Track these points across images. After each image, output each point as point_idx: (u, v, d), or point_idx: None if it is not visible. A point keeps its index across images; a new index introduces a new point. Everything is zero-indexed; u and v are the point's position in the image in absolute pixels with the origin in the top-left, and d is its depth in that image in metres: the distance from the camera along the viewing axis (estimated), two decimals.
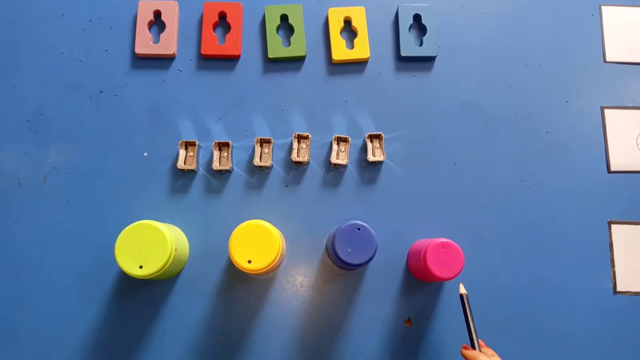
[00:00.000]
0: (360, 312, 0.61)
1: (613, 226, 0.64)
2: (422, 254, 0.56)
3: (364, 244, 0.55)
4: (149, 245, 0.54)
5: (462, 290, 0.55)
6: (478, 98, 0.68)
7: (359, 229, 0.55)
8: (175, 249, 0.55)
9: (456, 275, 0.55)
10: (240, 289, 0.61)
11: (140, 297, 0.60)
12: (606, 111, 0.68)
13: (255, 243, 0.54)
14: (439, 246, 0.56)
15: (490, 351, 0.53)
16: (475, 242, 0.63)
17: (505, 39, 0.70)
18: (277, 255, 0.54)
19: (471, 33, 0.70)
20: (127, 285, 0.60)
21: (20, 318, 0.59)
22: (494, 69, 0.69)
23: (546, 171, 0.66)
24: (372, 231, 0.55)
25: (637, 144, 0.67)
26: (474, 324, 0.54)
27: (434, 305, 0.62)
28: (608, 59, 0.70)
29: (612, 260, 0.63)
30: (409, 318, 0.61)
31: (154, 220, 0.55)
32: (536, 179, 0.66)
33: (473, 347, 0.53)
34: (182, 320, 0.60)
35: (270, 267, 0.54)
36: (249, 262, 0.54)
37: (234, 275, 0.61)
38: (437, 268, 0.55)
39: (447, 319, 0.61)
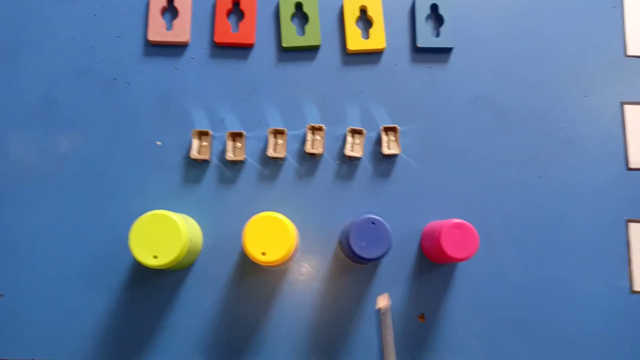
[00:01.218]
0: (372, 305, 0.61)
1: (630, 224, 0.63)
2: (436, 234, 0.56)
3: (378, 239, 0.54)
4: (163, 235, 0.53)
5: (381, 303, 0.52)
6: (495, 91, 0.66)
7: (373, 223, 0.55)
8: (190, 240, 0.55)
9: (470, 255, 0.55)
10: (253, 280, 0.61)
11: (152, 287, 0.60)
12: (626, 107, 0.67)
13: (270, 235, 0.54)
14: (453, 227, 0.55)
15: None
16: (488, 238, 0.63)
17: (523, 32, 0.68)
18: (291, 248, 0.54)
19: (488, 25, 0.68)
20: (139, 275, 0.60)
21: (32, 307, 0.59)
22: (510, 62, 0.67)
23: (562, 168, 0.65)
24: (387, 226, 0.54)
25: None
26: (391, 344, 0.51)
27: (446, 301, 0.61)
28: (629, 52, 0.69)
29: (629, 259, 0.63)
30: (422, 314, 0.61)
31: (166, 210, 0.55)
32: (552, 175, 0.65)
33: None
34: (195, 311, 0.60)
35: (284, 259, 0.54)
36: (263, 254, 0.53)
37: (246, 267, 0.61)
38: (451, 249, 0.55)
39: (459, 313, 0.61)
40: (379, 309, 0.51)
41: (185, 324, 0.59)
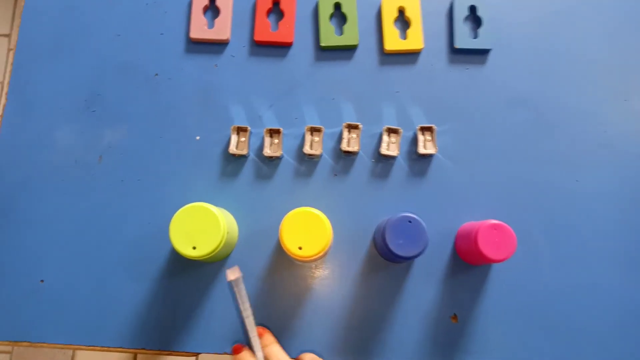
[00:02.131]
0: (405, 305, 0.61)
1: None
2: (473, 235, 0.56)
3: (415, 237, 0.54)
4: (202, 227, 0.54)
5: (231, 276, 0.52)
6: (533, 93, 0.66)
7: (410, 222, 0.55)
8: (227, 232, 0.56)
9: (508, 257, 0.54)
10: (286, 274, 0.61)
11: (188, 277, 0.61)
12: None
13: (307, 230, 0.54)
14: (491, 227, 0.55)
15: (267, 339, 0.54)
16: (523, 240, 0.62)
17: (562, 34, 0.68)
18: (327, 244, 0.55)
19: (527, 26, 0.68)
20: (176, 265, 0.61)
21: (72, 293, 0.61)
22: (549, 64, 0.67)
23: (600, 172, 0.64)
24: (424, 224, 0.55)
25: None
26: (247, 311, 0.52)
27: (479, 302, 0.61)
28: None
29: None
30: (455, 314, 0.61)
31: (205, 202, 0.56)
32: (590, 179, 0.64)
33: (248, 341, 0.52)
34: (228, 302, 0.60)
35: (319, 254, 0.55)
36: (300, 248, 0.54)
37: (280, 261, 0.62)
38: (489, 250, 0.54)
39: (492, 315, 0.60)
40: (230, 282, 0.52)
41: (219, 314, 0.60)
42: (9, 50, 1.67)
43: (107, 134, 0.65)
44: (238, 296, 0.52)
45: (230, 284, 0.52)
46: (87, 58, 0.67)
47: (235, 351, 0.55)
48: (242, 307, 0.52)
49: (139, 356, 1.39)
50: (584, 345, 0.60)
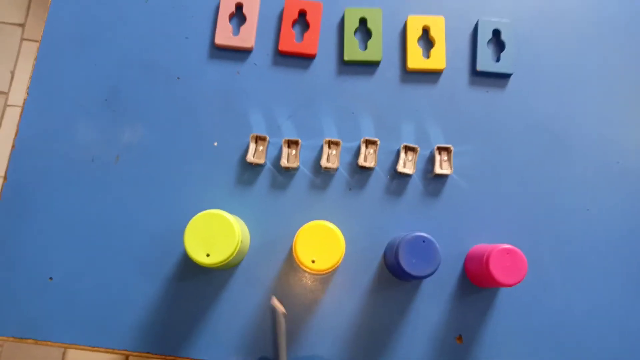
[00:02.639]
0: (411, 323, 0.61)
1: None
2: (484, 258, 0.56)
3: (428, 257, 0.55)
4: (217, 234, 0.54)
5: (280, 308, 0.52)
6: (551, 119, 0.66)
7: (424, 241, 0.55)
8: (241, 241, 0.56)
9: (518, 282, 0.55)
10: (296, 285, 0.62)
11: (198, 282, 0.61)
12: None
13: (321, 243, 0.55)
14: (503, 252, 0.55)
15: None
16: (534, 264, 0.62)
17: (583, 61, 0.68)
18: (340, 258, 0.55)
19: (549, 52, 0.69)
20: (188, 269, 0.61)
21: (83, 290, 0.61)
22: (569, 91, 0.67)
23: (614, 200, 0.65)
24: (437, 245, 0.55)
25: None
26: (283, 346, 0.51)
27: (485, 324, 0.61)
28: None
29: None
30: (460, 335, 0.61)
31: (219, 208, 0.56)
32: (603, 207, 0.64)
33: None
34: (238, 310, 0.61)
35: (332, 268, 0.55)
36: (313, 261, 0.54)
37: (290, 272, 0.62)
38: (499, 274, 0.55)
39: (498, 337, 0.61)
40: (275, 311, 0.52)
41: (227, 320, 0.60)
42: (22, 39, 1.67)
43: (126, 133, 0.65)
44: (278, 329, 0.52)
45: (274, 313, 0.52)
46: (110, 55, 0.67)
47: None
48: (279, 341, 0.52)
49: (131, 357, 1.39)
50: None
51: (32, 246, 0.62)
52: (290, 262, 0.62)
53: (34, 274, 0.61)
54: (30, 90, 0.66)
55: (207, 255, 0.54)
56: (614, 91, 0.68)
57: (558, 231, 0.64)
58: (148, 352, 0.59)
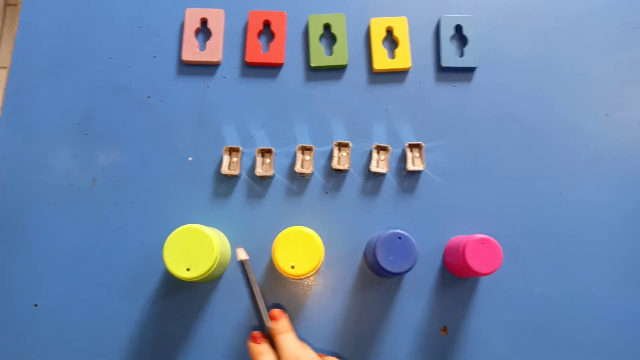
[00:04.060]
0: (396, 318, 0.62)
1: None
2: (460, 249, 0.57)
3: (405, 253, 0.56)
4: (196, 248, 0.55)
5: (242, 256, 0.51)
6: (518, 109, 0.68)
7: (400, 238, 0.56)
8: (221, 253, 0.57)
9: (494, 270, 0.56)
10: (280, 292, 0.62)
11: (182, 298, 0.62)
12: None
13: (299, 249, 0.56)
14: (478, 242, 0.56)
15: (282, 325, 0.49)
16: (513, 253, 0.64)
17: (546, 51, 0.70)
18: (319, 262, 0.56)
19: (512, 45, 0.70)
20: (171, 286, 0.62)
21: (68, 315, 0.61)
22: (534, 81, 0.69)
23: (585, 185, 0.66)
24: (413, 240, 0.56)
25: None
26: (259, 294, 0.49)
27: (469, 314, 0.62)
28: None
29: None
30: (444, 327, 0.62)
31: (197, 223, 0.57)
32: (575, 191, 0.66)
33: (262, 327, 0.49)
34: (223, 322, 0.61)
35: (312, 272, 0.56)
36: (292, 267, 0.55)
37: (273, 279, 0.63)
38: (476, 263, 0.56)
39: (482, 326, 0.62)
40: (241, 261, 0.51)
41: (215, 334, 0.61)
42: None
43: (101, 156, 0.65)
44: (249, 276, 0.51)
45: (240, 264, 0.52)
46: (80, 81, 0.68)
47: (253, 339, 0.49)
48: (253, 288, 0.50)
49: None
50: (573, 355, 0.61)
51: (15, 274, 0.62)
52: (272, 270, 0.62)
53: (18, 302, 0.62)
54: (2, 119, 0.66)
55: (188, 269, 0.55)
56: (576, 78, 0.69)
57: (533, 218, 0.65)
58: None
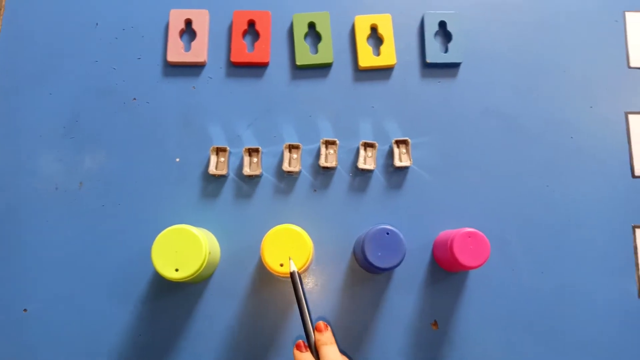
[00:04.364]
0: (387, 314, 0.62)
1: (638, 230, 0.65)
2: (448, 243, 0.57)
3: (393, 248, 0.56)
4: (184, 249, 0.55)
5: (292, 268, 0.53)
6: (503, 104, 0.68)
7: (388, 234, 0.56)
8: (209, 253, 0.57)
9: (482, 263, 0.56)
10: (270, 291, 0.62)
11: (173, 299, 0.62)
12: (630, 116, 0.69)
13: (287, 247, 0.56)
14: (465, 235, 0.57)
15: (326, 337, 0.51)
16: (501, 246, 0.64)
17: (529, 46, 0.71)
18: (308, 259, 0.56)
19: (496, 40, 0.71)
20: (161, 287, 0.62)
21: (58, 318, 0.61)
22: (518, 75, 0.70)
23: (571, 176, 0.67)
24: (401, 235, 0.56)
25: None
26: (307, 308, 0.52)
27: (459, 308, 0.63)
28: (632, 64, 0.70)
29: (637, 265, 0.64)
30: (435, 321, 0.62)
31: (186, 224, 0.57)
32: (561, 184, 0.66)
33: (308, 339, 0.51)
34: (214, 322, 0.61)
35: (301, 270, 0.56)
36: (281, 265, 0.55)
37: (263, 278, 0.63)
38: (464, 257, 0.56)
39: (472, 320, 0.62)
40: (291, 273, 0.53)
41: (205, 334, 0.61)
42: None
43: (87, 159, 0.65)
44: (298, 288, 0.52)
45: (291, 276, 0.53)
46: (65, 85, 0.67)
47: (298, 347, 0.52)
48: (301, 300, 0.52)
49: None
50: (562, 347, 0.62)
51: (4, 279, 0.62)
52: (262, 269, 0.63)
53: (7, 306, 0.61)
54: None
55: (176, 270, 0.55)
56: (560, 71, 0.70)
57: (521, 211, 0.65)
58: None
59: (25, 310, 0.61)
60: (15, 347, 0.60)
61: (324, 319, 0.62)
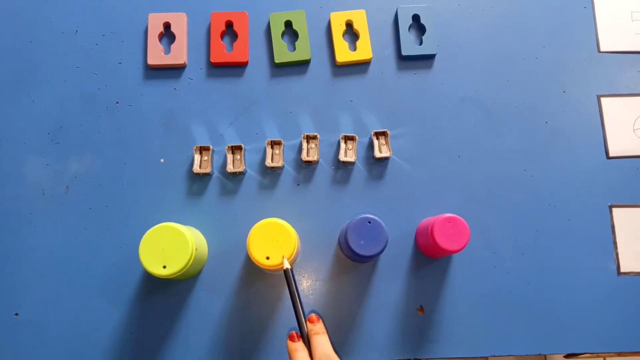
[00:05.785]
0: (373, 302, 0.64)
1: (614, 210, 0.67)
2: (429, 229, 0.59)
3: (375, 236, 0.57)
4: (171, 246, 0.56)
5: (286, 265, 0.56)
6: (479, 92, 0.70)
7: (369, 222, 0.58)
8: (196, 249, 0.58)
9: (463, 247, 0.58)
10: (259, 285, 0.64)
11: (163, 297, 0.63)
12: (602, 99, 0.71)
13: (273, 240, 0.57)
14: (445, 221, 0.58)
15: (318, 327, 0.54)
16: (482, 231, 0.66)
17: (502, 35, 0.73)
18: (293, 251, 0.57)
19: (469, 30, 0.73)
20: (150, 286, 0.63)
21: (50, 321, 0.62)
22: (492, 64, 0.71)
23: (547, 160, 0.69)
24: (383, 224, 0.58)
25: (633, 130, 0.70)
26: (299, 301, 0.54)
27: (443, 292, 0.64)
28: (602, 49, 0.73)
29: (615, 243, 0.66)
30: (421, 306, 0.64)
31: (173, 222, 0.58)
32: (538, 167, 0.68)
33: (300, 328, 0.54)
34: (204, 318, 0.62)
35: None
36: (267, 258, 0.57)
37: (251, 273, 0.64)
38: (444, 242, 0.58)
39: (457, 303, 0.64)
40: (285, 270, 0.55)
41: (196, 330, 0.62)
42: None
43: (73, 164, 0.66)
44: (291, 283, 0.54)
45: (285, 272, 0.55)
46: (48, 92, 0.68)
47: (290, 338, 0.54)
48: (294, 294, 0.54)
49: None
50: (546, 325, 0.64)
51: None
52: (250, 264, 0.64)
53: None
54: None
55: (164, 267, 0.56)
56: (532, 58, 0.72)
57: (500, 196, 0.67)
58: None
59: (16, 314, 0.62)
60: (8, 351, 0.61)
61: (313, 310, 0.63)
